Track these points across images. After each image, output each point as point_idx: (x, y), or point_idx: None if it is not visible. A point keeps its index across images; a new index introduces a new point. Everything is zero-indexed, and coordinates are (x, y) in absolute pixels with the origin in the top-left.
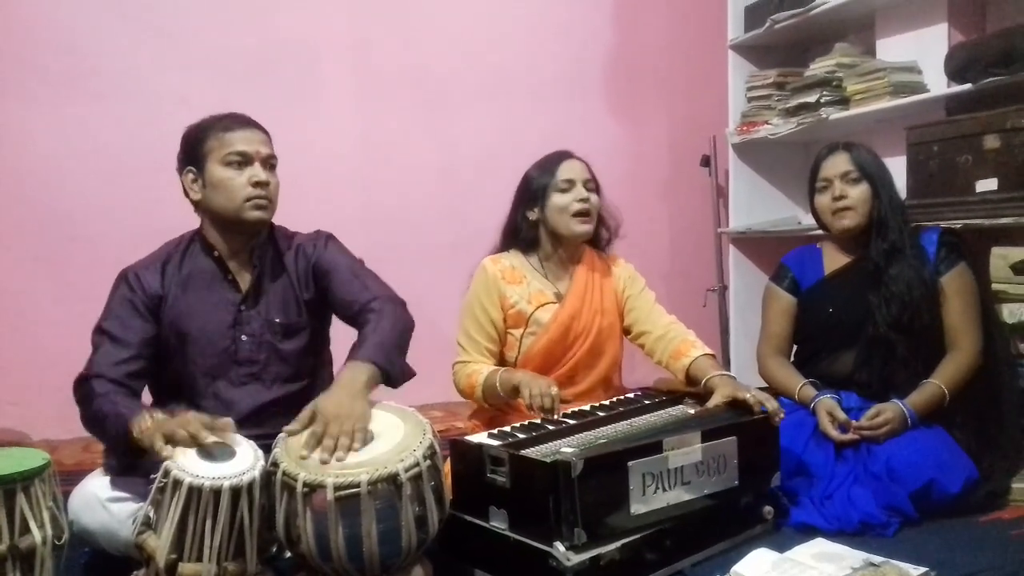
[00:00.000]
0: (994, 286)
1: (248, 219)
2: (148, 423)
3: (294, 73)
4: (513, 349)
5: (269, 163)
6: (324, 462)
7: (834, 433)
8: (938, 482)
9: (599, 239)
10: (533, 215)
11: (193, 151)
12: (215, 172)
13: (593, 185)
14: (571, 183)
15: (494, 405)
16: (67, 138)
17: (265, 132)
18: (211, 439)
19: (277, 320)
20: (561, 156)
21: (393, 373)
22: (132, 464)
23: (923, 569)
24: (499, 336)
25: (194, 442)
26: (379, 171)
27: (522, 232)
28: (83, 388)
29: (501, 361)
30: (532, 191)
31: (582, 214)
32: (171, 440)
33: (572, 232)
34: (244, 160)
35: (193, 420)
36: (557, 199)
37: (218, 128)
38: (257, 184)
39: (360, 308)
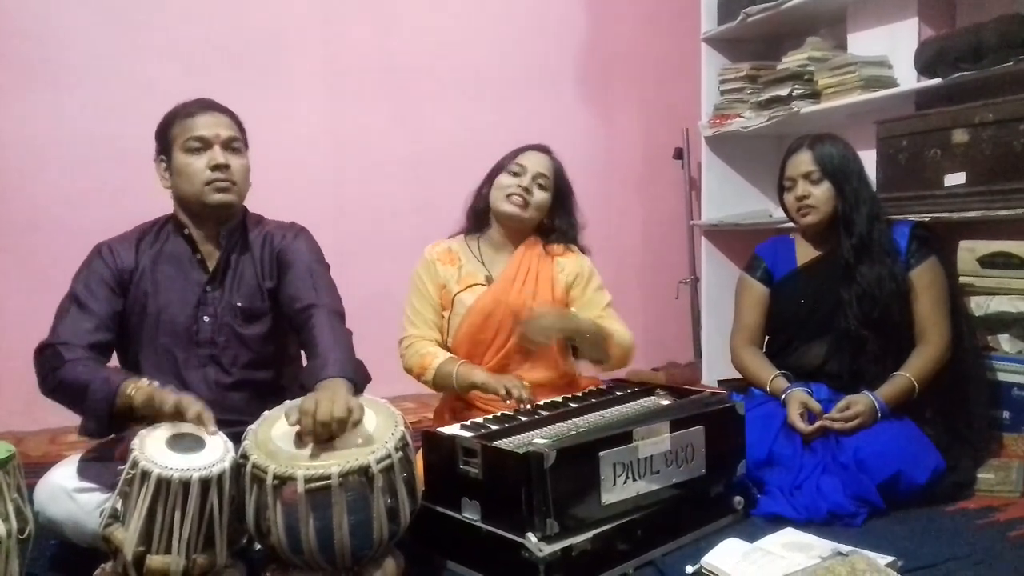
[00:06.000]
0: (961, 279)
1: (209, 202)
2: (145, 383)
3: (265, 63)
4: (444, 331)
5: (231, 146)
6: (320, 441)
7: (801, 425)
8: (905, 473)
9: (548, 233)
10: (485, 190)
11: (163, 139)
12: (178, 159)
13: (545, 183)
14: (522, 169)
15: (441, 391)
16: (31, 126)
17: (229, 115)
18: (186, 428)
19: (239, 304)
20: (532, 146)
21: (360, 385)
22: (112, 426)
23: (890, 558)
24: (440, 311)
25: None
26: (350, 163)
27: (476, 208)
28: (47, 354)
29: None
30: (492, 170)
31: (515, 196)
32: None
33: (499, 209)
34: (203, 145)
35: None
36: (502, 178)
37: (182, 115)
38: (216, 167)
39: (302, 308)
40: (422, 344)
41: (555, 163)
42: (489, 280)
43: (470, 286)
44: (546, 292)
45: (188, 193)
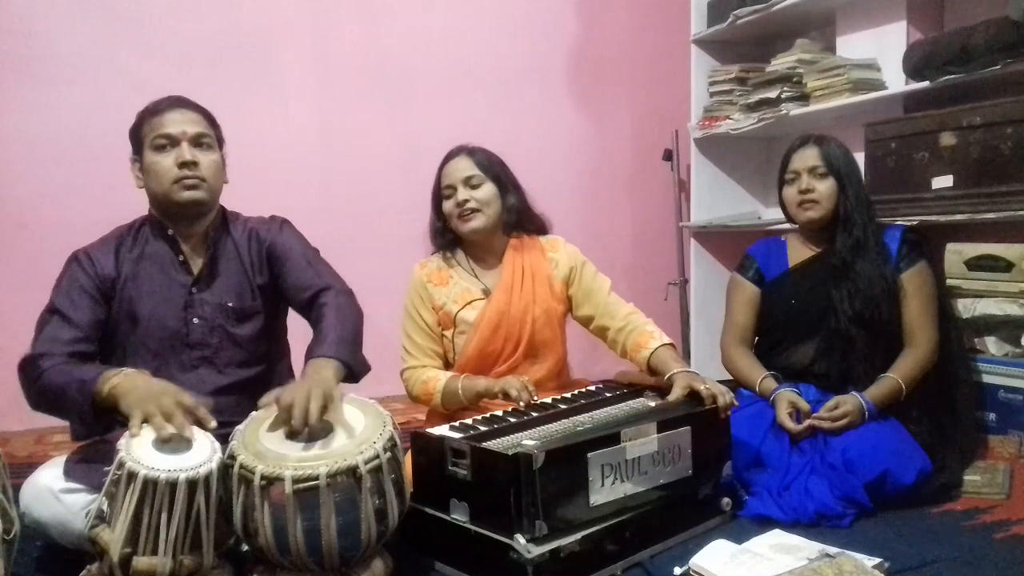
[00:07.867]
0: (949, 282)
1: (178, 200)
2: (121, 378)
3: (255, 61)
4: (449, 351)
5: (199, 142)
6: (295, 432)
7: (790, 425)
8: (892, 473)
9: (512, 227)
10: (440, 223)
11: (135, 139)
12: (147, 157)
13: (479, 179)
14: (452, 188)
15: (451, 409)
16: (17, 122)
17: (199, 111)
18: (173, 431)
19: (230, 304)
20: (446, 158)
21: (356, 368)
22: (104, 426)
23: (877, 559)
24: (438, 337)
25: (166, 425)
26: (339, 162)
27: (439, 232)
28: (29, 368)
29: (445, 362)
30: (434, 194)
31: (463, 214)
32: (147, 419)
33: (462, 232)
34: (171, 142)
35: (176, 403)
36: (445, 205)
37: (150, 113)
38: (183, 164)
39: (312, 295)
40: (421, 371)
41: (476, 155)
42: (486, 292)
43: (469, 303)
44: (544, 293)
45: (158, 192)
